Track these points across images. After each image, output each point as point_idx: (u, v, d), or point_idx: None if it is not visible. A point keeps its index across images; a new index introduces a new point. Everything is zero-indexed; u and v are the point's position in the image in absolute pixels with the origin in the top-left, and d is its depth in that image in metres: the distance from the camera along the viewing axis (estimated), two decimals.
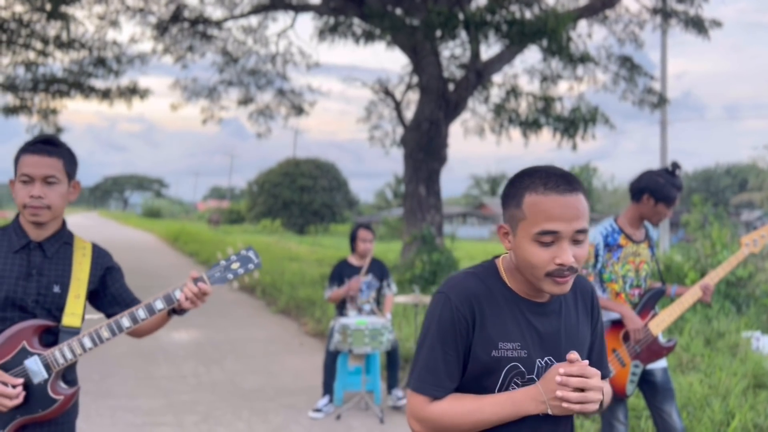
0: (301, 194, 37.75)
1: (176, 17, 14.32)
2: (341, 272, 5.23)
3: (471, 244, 22.84)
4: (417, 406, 1.52)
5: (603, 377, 1.64)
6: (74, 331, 2.09)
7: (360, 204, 51.57)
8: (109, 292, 2.25)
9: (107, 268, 2.25)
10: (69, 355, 2.05)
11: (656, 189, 3.21)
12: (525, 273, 1.50)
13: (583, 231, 1.45)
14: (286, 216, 38.20)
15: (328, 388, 5.11)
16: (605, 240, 3.29)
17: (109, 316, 2.25)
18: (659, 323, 3.24)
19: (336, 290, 5.20)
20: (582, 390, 1.42)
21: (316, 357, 6.65)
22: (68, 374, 2.13)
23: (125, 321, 2.13)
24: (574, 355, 1.43)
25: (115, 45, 15.10)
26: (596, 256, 3.31)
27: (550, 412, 1.45)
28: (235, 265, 2.22)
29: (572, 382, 1.40)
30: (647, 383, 3.33)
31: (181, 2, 14.20)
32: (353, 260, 5.29)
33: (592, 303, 1.65)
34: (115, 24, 14.46)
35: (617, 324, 3.26)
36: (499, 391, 1.51)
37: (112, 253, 2.34)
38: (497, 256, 1.62)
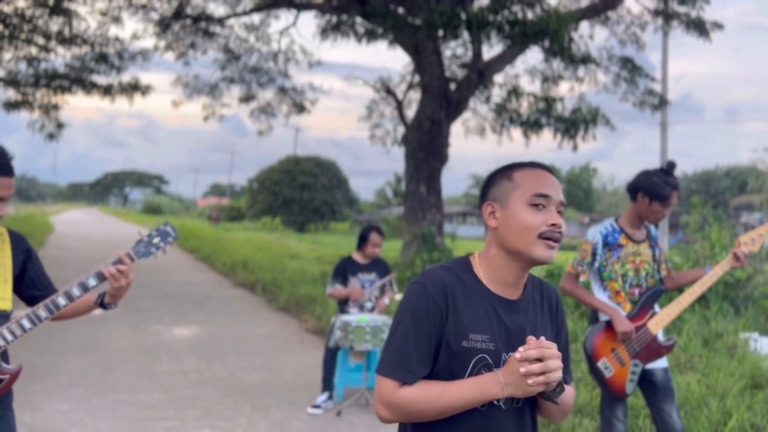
0: (301, 192, 37.74)
1: (179, 14, 14.32)
2: (345, 269, 5.25)
3: (471, 243, 22.97)
4: (386, 391, 1.55)
5: (565, 382, 1.68)
6: (5, 315, 2.16)
7: (360, 202, 51.56)
8: (28, 275, 2.29)
9: (27, 251, 2.30)
10: (10, 337, 2.12)
11: (649, 187, 3.24)
12: (516, 241, 1.57)
13: (565, 205, 1.61)
14: (286, 214, 38.20)
15: (327, 385, 5.14)
16: (605, 239, 3.32)
17: (26, 298, 2.30)
18: (658, 322, 3.27)
19: (338, 288, 5.22)
20: (542, 361, 1.48)
21: (316, 354, 6.67)
22: (3, 356, 2.20)
23: (61, 300, 2.18)
24: (531, 337, 1.50)
25: (117, 41, 15.11)
26: (593, 254, 3.33)
27: (514, 393, 1.51)
28: (156, 240, 2.34)
29: (531, 354, 1.46)
30: (647, 383, 3.36)
31: None
32: (358, 258, 5.31)
33: (557, 308, 1.71)
34: (117, 20, 14.48)
35: None
36: None
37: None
38: (471, 254, 1.68)
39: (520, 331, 1.59)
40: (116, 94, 15.80)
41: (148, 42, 70.02)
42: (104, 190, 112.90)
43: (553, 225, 1.55)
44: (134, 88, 15.84)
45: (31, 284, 2.30)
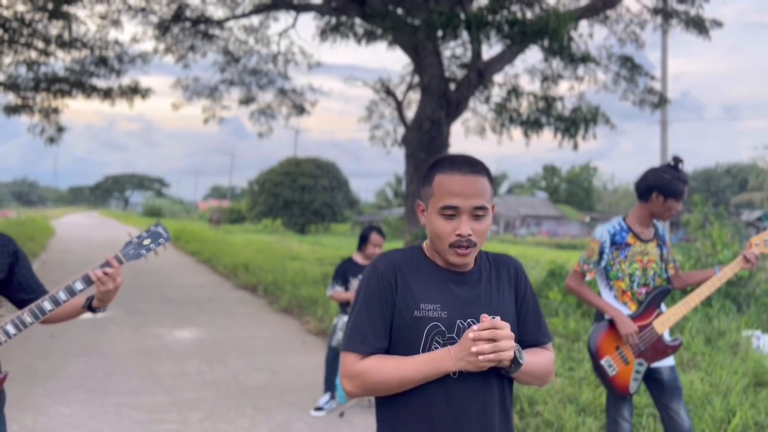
0: (301, 194, 37.76)
1: (178, 17, 14.32)
2: (346, 271, 5.23)
3: None
4: (346, 364, 1.66)
5: (542, 343, 1.79)
6: None
7: (361, 203, 51.58)
8: (15, 279, 2.24)
9: (14, 253, 2.25)
10: None
11: (664, 185, 3.24)
12: (434, 244, 1.70)
13: (481, 208, 1.65)
14: (286, 215, 38.21)
15: (329, 385, 5.13)
16: (612, 238, 3.32)
17: (15, 302, 2.25)
18: (664, 322, 3.26)
19: (339, 291, 5.20)
20: (494, 341, 1.56)
21: (318, 355, 6.67)
22: None
23: (47, 304, 2.13)
24: (485, 316, 1.60)
25: (116, 44, 15.10)
26: (601, 253, 3.33)
27: (466, 368, 1.59)
28: (146, 241, 2.30)
29: (484, 335, 1.55)
30: (654, 381, 3.35)
31: (183, 2, 14.20)
32: (359, 259, 5.30)
33: (516, 275, 1.79)
34: (116, 23, 14.46)
35: None
36: (423, 349, 1.65)
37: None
38: (424, 241, 1.80)
39: (473, 299, 1.69)
40: (116, 97, 15.80)
41: (148, 45, 69.87)
42: (105, 193, 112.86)
43: (459, 235, 1.63)
44: (134, 91, 15.84)
45: (19, 287, 2.24)
